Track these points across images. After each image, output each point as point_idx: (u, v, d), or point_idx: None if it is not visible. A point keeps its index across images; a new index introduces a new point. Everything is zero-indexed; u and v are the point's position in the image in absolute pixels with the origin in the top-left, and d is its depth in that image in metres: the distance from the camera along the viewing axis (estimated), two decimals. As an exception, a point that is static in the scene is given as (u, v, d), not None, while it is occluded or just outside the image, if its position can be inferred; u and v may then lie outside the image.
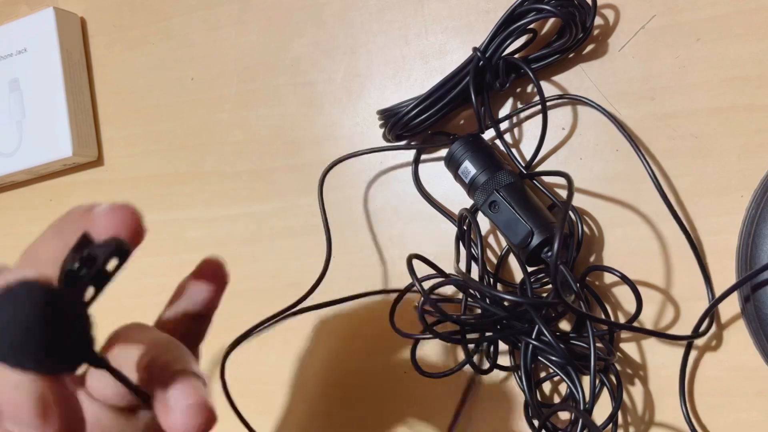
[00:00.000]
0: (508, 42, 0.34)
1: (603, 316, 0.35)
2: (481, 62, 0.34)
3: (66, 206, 0.47)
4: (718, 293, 0.33)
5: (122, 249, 0.19)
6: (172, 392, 0.19)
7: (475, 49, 0.34)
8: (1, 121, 0.48)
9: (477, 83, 0.35)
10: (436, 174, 0.39)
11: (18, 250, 0.20)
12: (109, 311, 0.29)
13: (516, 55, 0.36)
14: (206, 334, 0.27)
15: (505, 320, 0.33)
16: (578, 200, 0.36)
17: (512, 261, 0.37)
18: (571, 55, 0.36)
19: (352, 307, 0.40)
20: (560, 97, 0.36)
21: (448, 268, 0.36)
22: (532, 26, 0.35)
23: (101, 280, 0.18)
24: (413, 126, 0.37)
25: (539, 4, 0.33)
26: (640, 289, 0.33)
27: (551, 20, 0.36)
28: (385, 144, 0.40)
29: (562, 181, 0.35)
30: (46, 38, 0.47)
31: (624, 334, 0.35)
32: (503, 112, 0.38)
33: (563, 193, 0.36)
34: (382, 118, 0.37)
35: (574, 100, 0.36)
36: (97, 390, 0.22)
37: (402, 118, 0.36)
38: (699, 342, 0.34)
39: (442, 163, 0.38)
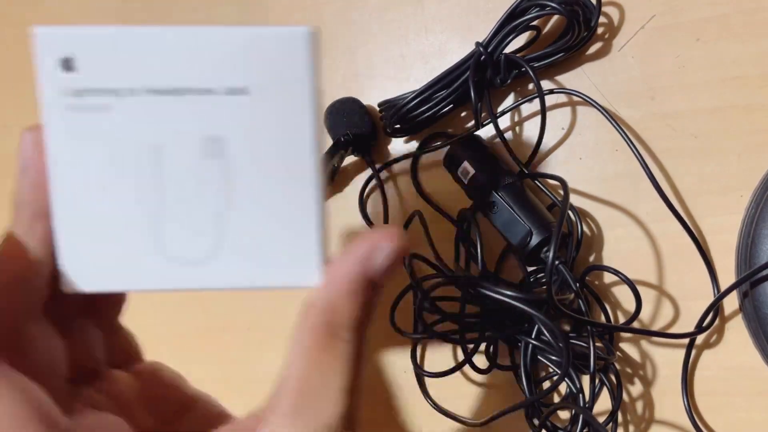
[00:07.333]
0: (511, 38, 0.34)
1: (603, 316, 0.35)
2: (483, 57, 0.34)
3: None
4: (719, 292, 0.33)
5: None
6: None
7: (477, 44, 0.34)
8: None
9: (477, 79, 0.35)
10: (435, 174, 0.39)
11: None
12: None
13: (518, 54, 0.36)
14: None
15: (504, 320, 0.33)
16: (578, 200, 0.36)
17: (512, 261, 0.37)
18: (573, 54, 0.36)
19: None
20: (551, 92, 0.36)
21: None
22: (535, 23, 0.35)
23: None
24: (412, 118, 0.36)
25: (542, 0, 0.33)
26: (640, 288, 0.33)
27: (555, 19, 0.36)
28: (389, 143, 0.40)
29: (561, 180, 0.35)
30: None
31: (624, 334, 0.35)
32: (502, 110, 0.38)
33: (562, 193, 0.36)
34: (382, 110, 0.37)
35: (571, 95, 0.36)
36: None
37: (401, 110, 0.36)
38: (699, 341, 0.34)
39: (441, 162, 0.38)
